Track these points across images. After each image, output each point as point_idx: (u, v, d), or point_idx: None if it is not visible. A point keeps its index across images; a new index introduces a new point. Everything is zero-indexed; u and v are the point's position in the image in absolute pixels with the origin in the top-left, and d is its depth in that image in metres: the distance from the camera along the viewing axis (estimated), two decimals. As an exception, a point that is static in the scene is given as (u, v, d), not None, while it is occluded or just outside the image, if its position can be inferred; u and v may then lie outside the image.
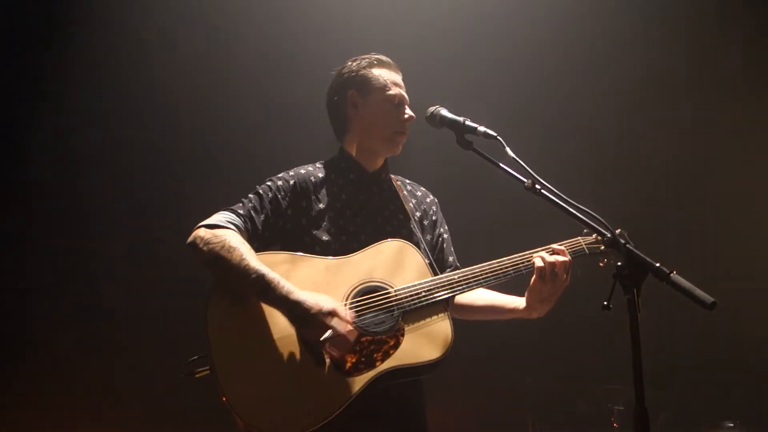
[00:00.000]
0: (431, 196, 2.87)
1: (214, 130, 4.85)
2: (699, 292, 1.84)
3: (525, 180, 2.15)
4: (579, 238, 2.64)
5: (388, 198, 2.70)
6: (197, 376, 2.27)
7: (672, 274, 1.86)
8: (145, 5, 4.63)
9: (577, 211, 2.08)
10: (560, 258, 2.48)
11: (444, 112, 2.47)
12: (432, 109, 2.51)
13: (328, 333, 2.22)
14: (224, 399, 2.19)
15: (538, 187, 2.13)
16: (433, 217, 2.81)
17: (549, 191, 2.13)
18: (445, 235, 2.83)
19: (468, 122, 2.37)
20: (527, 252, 2.54)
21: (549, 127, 5.23)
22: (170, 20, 4.64)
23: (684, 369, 5.04)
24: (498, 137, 2.25)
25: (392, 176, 2.80)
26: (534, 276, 2.49)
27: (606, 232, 2.00)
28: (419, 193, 2.84)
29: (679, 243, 5.03)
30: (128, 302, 4.59)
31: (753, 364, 4.99)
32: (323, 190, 2.58)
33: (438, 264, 2.73)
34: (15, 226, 4.51)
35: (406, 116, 2.65)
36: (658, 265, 1.87)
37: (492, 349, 4.80)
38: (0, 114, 4.45)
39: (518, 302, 2.62)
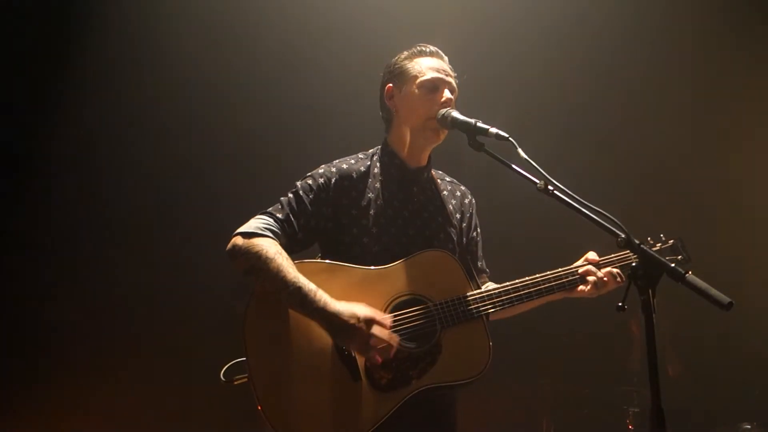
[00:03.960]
0: (470, 197, 2.78)
1: (235, 130, 4.88)
2: (715, 293, 1.80)
3: (537, 181, 2.12)
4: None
5: (429, 198, 2.62)
6: (236, 383, 2.28)
7: (687, 275, 1.82)
8: (162, 9, 4.66)
9: (590, 212, 2.04)
10: (605, 276, 2.54)
11: (455, 113, 2.43)
12: (443, 111, 2.47)
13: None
14: (259, 408, 2.21)
15: (550, 188, 2.10)
16: (471, 220, 2.73)
17: (562, 192, 2.10)
18: (478, 239, 2.76)
19: (480, 124, 2.32)
20: (572, 266, 2.55)
21: (562, 128, 5.22)
22: (187, 21, 4.68)
23: (701, 369, 5.00)
24: (510, 138, 2.21)
25: (434, 172, 2.71)
26: (589, 287, 2.52)
27: (620, 233, 1.96)
28: (458, 193, 2.75)
29: (692, 242, 5.00)
30: (144, 306, 4.64)
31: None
32: (365, 186, 2.51)
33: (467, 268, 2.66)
34: (33, 231, 4.56)
35: (443, 99, 2.50)
36: (673, 265, 1.85)
37: (506, 351, 4.78)
38: (16, 120, 4.50)
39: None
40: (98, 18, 4.60)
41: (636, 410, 4.88)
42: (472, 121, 2.35)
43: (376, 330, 2.22)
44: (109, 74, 4.66)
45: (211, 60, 4.76)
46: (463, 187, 2.79)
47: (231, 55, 4.79)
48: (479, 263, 2.75)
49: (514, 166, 2.19)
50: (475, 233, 2.74)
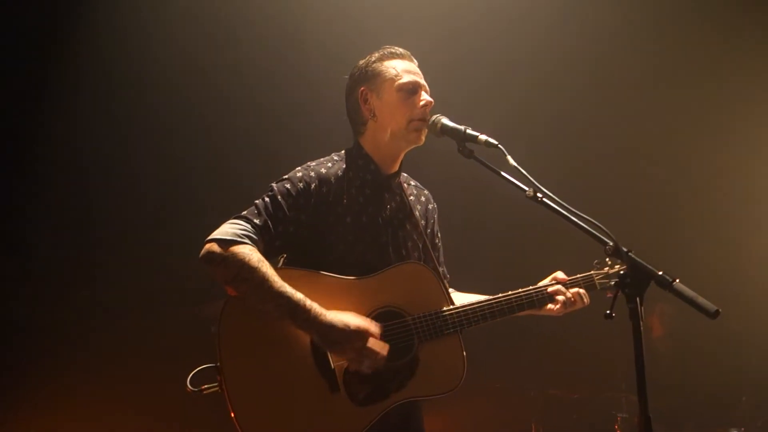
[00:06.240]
0: (432, 203, 2.76)
1: (220, 134, 4.87)
2: (702, 301, 1.82)
3: (526, 189, 2.13)
4: (592, 272, 2.69)
5: (399, 205, 2.58)
6: (205, 392, 2.21)
7: (675, 283, 1.84)
8: (152, 10, 4.64)
9: (579, 220, 2.05)
10: (573, 296, 2.60)
11: (445, 120, 2.42)
12: (433, 117, 2.46)
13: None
14: (232, 415, 2.16)
15: (539, 195, 2.11)
16: (434, 226, 2.74)
17: (551, 200, 2.10)
18: (440, 245, 2.77)
19: (469, 131, 2.32)
20: (540, 285, 2.61)
21: (550, 136, 5.24)
22: (176, 21, 4.66)
23: (690, 376, 5.02)
24: (499, 146, 2.21)
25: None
26: (558, 306, 2.58)
27: (608, 241, 1.96)
28: (423, 198, 2.72)
29: (683, 252, 5.03)
30: (131, 307, 4.62)
31: (759, 371, 4.97)
32: (342, 192, 2.43)
33: None
34: (23, 233, 4.54)
35: (422, 102, 2.47)
36: (660, 273, 1.85)
37: (496, 357, 4.79)
38: (7, 120, 4.48)
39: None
40: (90, 17, 4.57)
41: (624, 416, 4.89)
42: (462, 128, 2.35)
43: (370, 341, 2.21)
44: (100, 77, 4.64)
45: (206, 60, 4.75)
46: (426, 192, 2.77)
47: (225, 55, 4.78)
48: (441, 269, 2.74)
49: (503, 173, 2.19)
50: (437, 240, 2.75)
